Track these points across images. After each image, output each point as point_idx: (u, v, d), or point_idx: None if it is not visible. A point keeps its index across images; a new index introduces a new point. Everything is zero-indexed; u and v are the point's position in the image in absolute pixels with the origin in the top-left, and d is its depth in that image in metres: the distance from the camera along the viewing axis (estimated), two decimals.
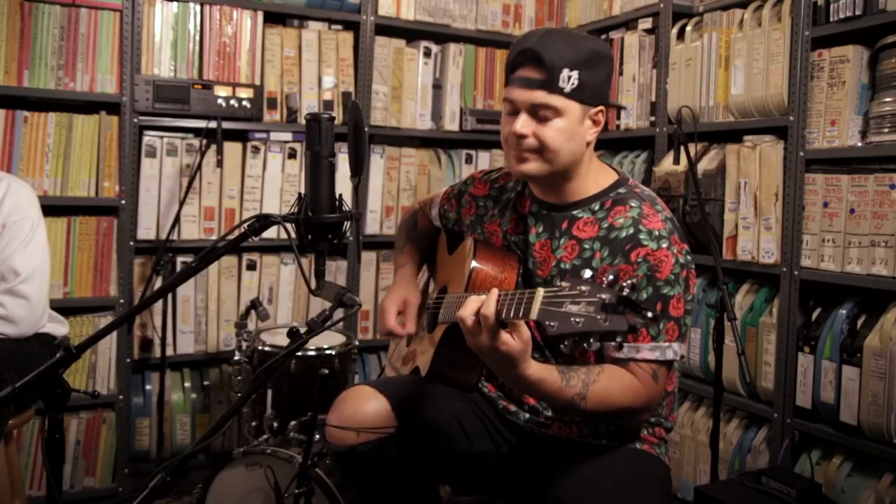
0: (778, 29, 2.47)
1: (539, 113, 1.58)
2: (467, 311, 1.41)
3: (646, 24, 3.00)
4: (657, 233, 1.59)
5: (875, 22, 2.22)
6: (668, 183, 2.70)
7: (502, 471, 1.79)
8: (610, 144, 3.28)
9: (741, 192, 2.57)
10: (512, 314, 1.36)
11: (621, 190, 1.69)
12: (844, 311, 2.29)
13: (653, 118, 2.96)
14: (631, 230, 1.60)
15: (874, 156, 2.24)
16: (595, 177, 1.70)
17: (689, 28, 2.82)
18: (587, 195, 1.68)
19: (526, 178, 1.73)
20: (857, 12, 2.25)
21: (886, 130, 2.20)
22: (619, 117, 3.09)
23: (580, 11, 3.35)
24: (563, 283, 1.31)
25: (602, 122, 1.65)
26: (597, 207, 1.67)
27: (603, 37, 3.21)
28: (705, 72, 2.73)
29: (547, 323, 1.29)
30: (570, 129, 1.59)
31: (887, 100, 2.21)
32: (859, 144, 2.29)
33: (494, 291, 1.40)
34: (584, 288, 1.27)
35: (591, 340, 1.25)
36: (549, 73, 1.56)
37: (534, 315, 1.31)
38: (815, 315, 2.39)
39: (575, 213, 1.68)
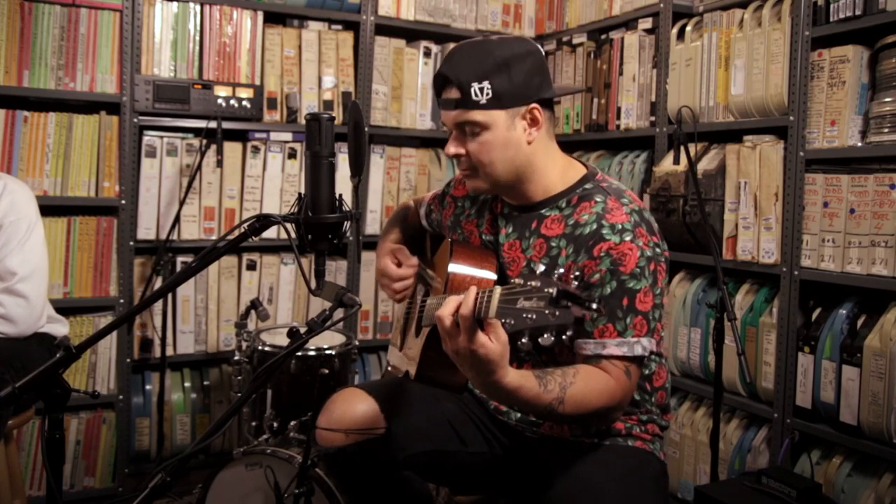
0: (778, 29, 2.47)
1: (466, 129, 1.62)
2: (445, 312, 1.39)
3: (646, 24, 3.00)
4: (620, 226, 1.57)
5: (875, 22, 2.22)
6: (668, 183, 2.70)
7: (497, 471, 1.79)
8: (610, 144, 3.28)
9: (741, 192, 2.56)
10: (479, 313, 1.36)
11: (588, 185, 1.68)
12: (844, 311, 2.29)
13: (653, 118, 2.96)
14: (594, 226, 1.59)
15: (874, 156, 2.24)
16: (561, 173, 1.70)
17: (689, 28, 2.81)
18: (554, 192, 1.68)
19: (477, 193, 1.79)
20: (857, 12, 2.25)
21: (886, 130, 2.20)
22: (619, 117, 3.09)
23: (580, 11, 3.35)
24: (517, 280, 1.30)
25: (540, 119, 1.62)
26: (563, 204, 1.67)
27: (603, 37, 3.21)
28: (705, 72, 2.73)
29: (504, 321, 1.29)
30: (498, 138, 1.61)
31: (887, 100, 2.21)
32: (859, 144, 2.29)
33: (473, 290, 1.38)
34: (534, 283, 1.27)
35: (546, 335, 1.24)
36: (461, 90, 1.58)
37: (492, 313, 1.30)
38: (815, 315, 2.39)
39: (543, 211, 1.69)
